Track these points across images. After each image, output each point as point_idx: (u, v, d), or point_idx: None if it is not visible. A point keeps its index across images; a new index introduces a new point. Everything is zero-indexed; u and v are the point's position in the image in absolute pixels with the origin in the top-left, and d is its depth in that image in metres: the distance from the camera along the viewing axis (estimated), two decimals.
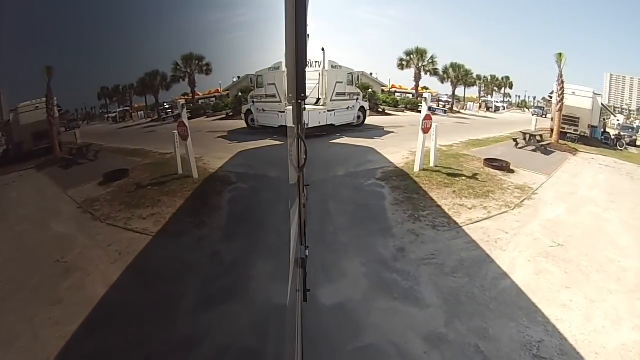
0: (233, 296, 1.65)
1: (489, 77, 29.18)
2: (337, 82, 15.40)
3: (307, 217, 3.57)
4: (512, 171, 10.84)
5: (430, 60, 25.45)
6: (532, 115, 27.89)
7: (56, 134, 1.14)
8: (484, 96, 30.37)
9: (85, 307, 0.90)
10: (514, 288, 5.45)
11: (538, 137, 13.93)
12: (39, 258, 0.91)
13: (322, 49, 15.02)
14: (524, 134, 14.23)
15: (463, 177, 9.87)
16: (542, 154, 13.48)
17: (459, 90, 28.00)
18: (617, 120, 19.94)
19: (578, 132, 15.53)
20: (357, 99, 16.94)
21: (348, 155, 12.23)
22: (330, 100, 15.24)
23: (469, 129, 19.34)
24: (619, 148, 15.77)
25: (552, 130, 15.48)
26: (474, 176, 10.03)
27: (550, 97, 17.14)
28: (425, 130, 9.93)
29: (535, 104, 29.48)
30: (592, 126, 15.65)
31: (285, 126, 3.02)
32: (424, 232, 6.89)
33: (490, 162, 11.18)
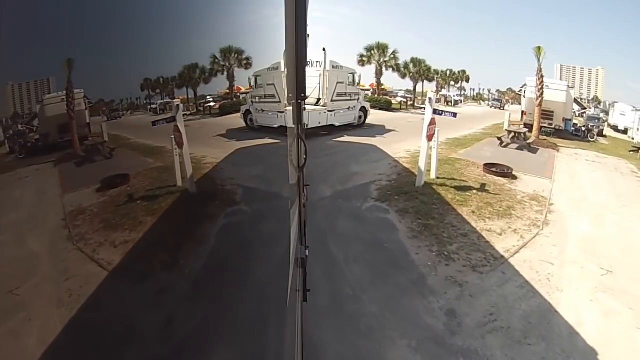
0: (233, 296, 1.63)
1: (447, 72, 29.02)
2: (337, 82, 14.82)
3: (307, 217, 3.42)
4: (515, 177, 9.88)
5: (392, 56, 24.49)
6: (491, 107, 28.47)
7: (77, 128, 1.10)
8: (440, 90, 30.31)
9: None
10: (593, 344, 4.55)
11: (523, 135, 13.31)
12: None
13: (324, 49, 14.40)
14: (509, 131, 13.58)
15: (473, 191, 8.60)
16: (529, 152, 12.88)
17: (418, 86, 27.55)
18: (574, 111, 20.43)
19: (553, 126, 15.31)
20: (358, 99, 16.39)
21: (330, 166, 10.48)
22: (331, 100, 14.65)
23: (441, 127, 18.50)
24: (591, 139, 15.86)
25: (525, 124, 15.10)
26: (483, 188, 8.82)
27: (519, 92, 16.81)
28: (430, 137, 8.50)
29: (491, 97, 29.93)
30: (566, 119, 15.56)
31: (285, 126, 2.96)
32: (467, 279, 5.39)
33: (490, 168, 10.13)
